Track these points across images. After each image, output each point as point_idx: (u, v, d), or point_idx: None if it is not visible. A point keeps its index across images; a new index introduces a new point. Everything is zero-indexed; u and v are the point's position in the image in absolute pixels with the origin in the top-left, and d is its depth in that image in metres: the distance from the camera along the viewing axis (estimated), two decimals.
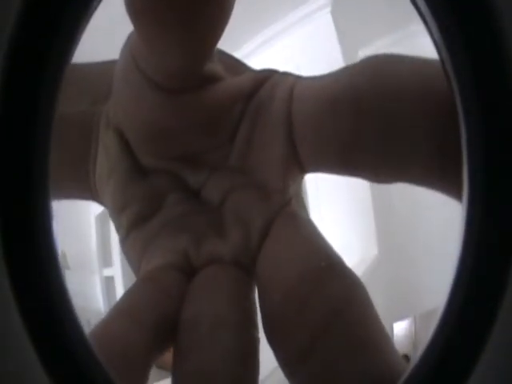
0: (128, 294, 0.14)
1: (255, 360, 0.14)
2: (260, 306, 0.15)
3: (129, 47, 0.15)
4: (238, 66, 0.17)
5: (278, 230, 0.16)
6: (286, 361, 0.14)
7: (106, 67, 0.16)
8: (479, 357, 0.09)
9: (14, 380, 0.09)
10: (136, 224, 0.16)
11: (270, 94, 0.16)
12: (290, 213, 0.16)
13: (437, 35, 0.09)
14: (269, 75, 0.16)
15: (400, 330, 0.95)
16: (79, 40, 0.10)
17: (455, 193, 0.12)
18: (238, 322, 0.14)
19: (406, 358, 1.00)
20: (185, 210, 0.16)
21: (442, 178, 0.13)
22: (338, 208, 0.90)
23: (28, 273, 0.09)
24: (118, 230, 0.17)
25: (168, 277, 0.15)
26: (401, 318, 0.94)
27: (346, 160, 0.15)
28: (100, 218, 0.74)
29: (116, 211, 0.17)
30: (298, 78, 0.16)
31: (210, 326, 0.14)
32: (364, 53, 1.15)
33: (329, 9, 1.14)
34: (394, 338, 0.92)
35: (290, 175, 0.16)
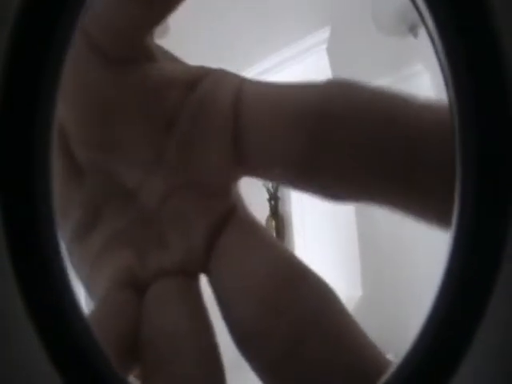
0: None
1: (220, 364, 0.14)
2: (225, 317, 0.15)
3: None
4: (169, 55, 0.17)
5: (234, 237, 0.15)
6: (260, 370, 0.14)
7: None
8: (463, 357, 0.09)
9: (18, 371, 0.09)
10: (78, 234, 0.16)
11: (212, 91, 0.15)
12: (242, 218, 0.15)
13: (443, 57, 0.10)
14: (206, 70, 0.16)
15: None
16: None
17: (418, 215, 0.13)
18: (197, 331, 0.14)
19: None
20: (124, 220, 0.16)
21: (407, 203, 0.13)
22: (323, 247, 0.89)
23: (31, 264, 0.09)
24: (62, 238, 0.16)
25: (120, 298, 0.15)
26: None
27: (299, 173, 0.14)
28: None
29: (60, 217, 0.17)
30: (244, 79, 0.15)
31: (170, 341, 0.14)
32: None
33: (325, 45, 1.16)
34: None
35: (232, 176, 0.15)
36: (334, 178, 0.14)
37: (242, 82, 0.15)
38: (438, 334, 0.09)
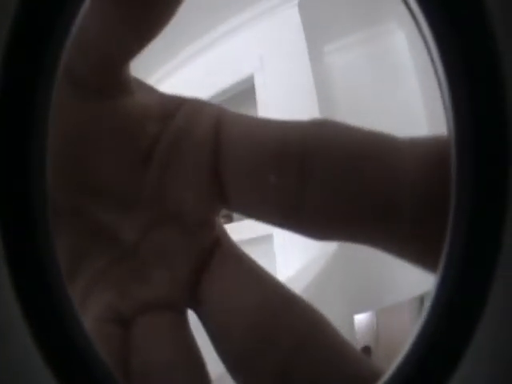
0: None
1: None
2: (216, 347, 0.15)
3: None
4: (142, 84, 0.16)
5: (220, 270, 0.15)
6: None
7: None
8: (461, 358, 0.09)
9: (14, 374, 0.09)
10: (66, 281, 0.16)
11: (189, 122, 0.15)
12: (227, 250, 0.15)
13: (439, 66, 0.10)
14: (179, 99, 0.16)
15: (361, 322, 0.97)
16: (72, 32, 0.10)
17: (405, 256, 0.13)
18: (187, 364, 0.14)
19: (368, 349, 1.01)
20: (104, 260, 0.16)
21: (391, 243, 0.13)
22: None
23: (28, 271, 0.10)
24: None
25: (104, 331, 0.15)
26: (361, 311, 0.95)
27: (280, 213, 0.14)
28: None
29: None
30: (223, 110, 0.15)
31: (160, 373, 0.14)
32: (329, 48, 1.15)
33: (296, 2, 1.14)
34: (356, 330, 0.93)
35: (213, 209, 0.15)
36: (316, 219, 0.14)
37: (221, 113, 0.15)
38: (434, 338, 0.10)
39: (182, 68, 1.10)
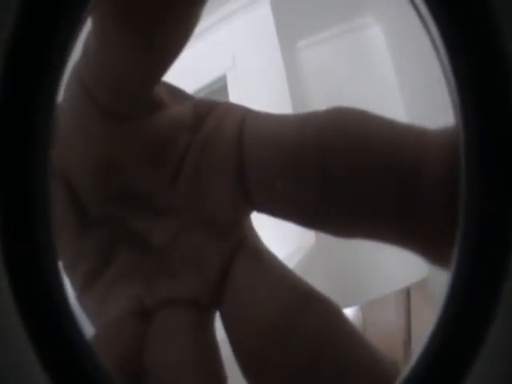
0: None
1: None
2: (234, 348, 0.15)
3: (76, 74, 0.16)
4: (177, 93, 0.17)
5: (242, 268, 0.16)
6: None
7: None
8: (475, 358, 0.09)
9: (12, 378, 0.10)
10: (89, 280, 0.17)
11: (217, 128, 0.16)
12: (251, 248, 0.16)
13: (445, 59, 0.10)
14: (212, 105, 0.16)
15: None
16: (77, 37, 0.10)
17: (425, 255, 0.13)
18: (202, 365, 0.15)
19: None
20: (134, 259, 0.17)
21: (410, 240, 0.13)
22: None
23: (27, 274, 0.10)
24: (72, 284, 0.17)
25: (124, 323, 0.16)
26: (346, 306, 0.95)
27: (303, 212, 0.15)
28: None
29: (68, 268, 0.17)
30: (248, 111, 0.16)
31: (173, 375, 0.14)
32: (302, 44, 1.16)
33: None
34: None
35: (241, 212, 0.16)
36: (339, 217, 0.14)
37: (246, 114, 0.15)
38: (449, 338, 0.10)
39: None
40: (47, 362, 0.10)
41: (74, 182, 0.17)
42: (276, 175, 0.15)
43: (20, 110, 0.10)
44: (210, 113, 0.16)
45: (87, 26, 0.10)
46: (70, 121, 0.16)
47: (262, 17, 1.12)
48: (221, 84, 1.20)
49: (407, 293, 0.93)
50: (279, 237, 0.89)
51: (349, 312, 0.96)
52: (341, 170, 0.13)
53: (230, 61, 1.21)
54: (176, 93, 0.17)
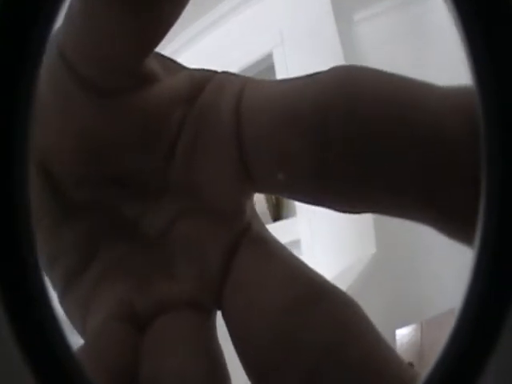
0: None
1: None
2: (239, 350, 0.14)
3: (58, 47, 0.14)
4: (171, 65, 0.15)
5: (247, 260, 0.14)
6: None
7: None
8: (487, 365, 0.09)
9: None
10: (73, 276, 0.15)
11: (213, 100, 0.14)
12: (255, 238, 0.15)
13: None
14: (208, 76, 0.15)
15: (404, 336, 0.89)
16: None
17: (441, 226, 0.12)
18: (205, 373, 0.13)
19: (411, 365, 0.95)
20: (123, 251, 0.15)
21: (429, 209, 0.12)
22: None
23: (14, 283, 0.09)
24: (53, 285, 0.15)
25: (116, 332, 0.14)
26: (404, 324, 0.88)
27: (307, 180, 0.13)
28: None
29: (49, 262, 0.16)
30: (247, 80, 0.14)
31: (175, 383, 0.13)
32: (358, 17, 1.06)
33: None
34: (398, 346, 0.86)
35: (243, 193, 0.15)
36: (344, 184, 0.13)
37: (245, 83, 0.14)
38: (468, 340, 0.09)
39: (192, 44, 1.05)
40: (35, 374, 0.09)
41: (52, 166, 0.15)
42: (276, 144, 0.13)
43: None
44: (207, 84, 0.14)
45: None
46: (48, 97, 0.15)
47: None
48: (267, 63, 1.11)
49: None
50: (338, 248, 0.84)
51: (405, 332, 0.89)
52: (343, 132, 0.12)
53: (278, 37, 1.11)
54: (169, 64, 0.15)
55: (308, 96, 0.13)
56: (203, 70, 0.15)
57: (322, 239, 0.86)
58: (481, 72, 0.09)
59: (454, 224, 0.12)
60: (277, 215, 1.46)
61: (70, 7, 0.14)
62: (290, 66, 0.98)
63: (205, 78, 0.15)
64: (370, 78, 0.13)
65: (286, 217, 1.34)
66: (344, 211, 0.13)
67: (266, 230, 0.15)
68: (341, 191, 0.13)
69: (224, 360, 0.14)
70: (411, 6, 1.04)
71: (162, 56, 0.15)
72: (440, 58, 0.97)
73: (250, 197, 0.15)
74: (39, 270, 0.10)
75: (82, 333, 0.15)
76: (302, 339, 0.13)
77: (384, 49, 0.96)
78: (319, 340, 0.13)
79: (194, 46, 1.09)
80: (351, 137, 0.12)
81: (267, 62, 1.00)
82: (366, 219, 0.82)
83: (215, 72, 0.15)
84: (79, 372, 0.10)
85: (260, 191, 0.15)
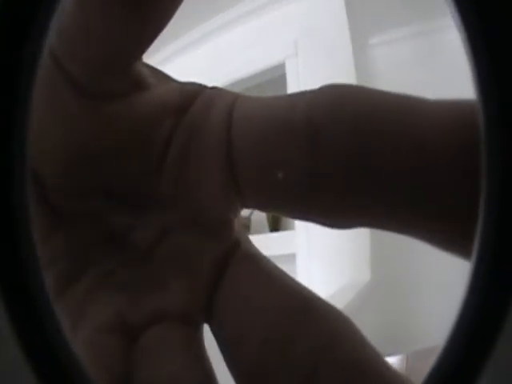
0: None
1: None
2: (230, 363, 0.14)
3: (48, 50, 0.14)
4: (162, 77, 0.16)
5: (238, 276, 0.15)
6: None
7: None
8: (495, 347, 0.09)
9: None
10: (63, 285, 0.15)
11: (204, 112, 0.14)
12: (245, 254, 0.15)
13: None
14: (198, 89, 0.15)
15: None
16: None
17: (433, 238, 0.12)
18: (200, 382, 0.14)
19: None
20: (113, 263, 0.15)
21: (416, 224, 0.12)
22: (332, 232, 0.82)
23: (14, 282, 0.10)
24: None
25: (105, 343, 0.14)
26: (391, 354, 0.88)
27: (295, 198, 0.13)
28: None
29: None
30: (238, 95, 0.15)
31: None
32: (373, 41, 1.05)
33: None
34: None
35: (232, 206, 0.15)
36: (333, 200, 0.13)
37: (236, 98, 0.15)
38: (465, 344, 0.09)
39: (199, 46, 1.04)
40: (36, 371, 0.10)
41: (42, 173, 0.15)
42: (265, 158, 0.13)
43: None
44: (198, 96, 0.15)
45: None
46: (39, 102, 0.14)
47: (334, 3, 1.02)
48: (278, 73, 1.09)
49: None
50: (333, 268, 0.83)
51: (391, 361, 0.87)
52: (333, 144, 0.12)
53: (292, 48, 1.10)
54: (160, 75, 0.15)
55: (299, 109, 0.13)
56: (194, 83, 0.15)
57: (318, 257, 0.84)
58: (481, 72, 0.09)
59: (444, 235, 0.12)
60: (275, 226, 1.45)
61: (62, 12, 0.13)
62: (302, 79, 0.97)
63: (195, 91, 0.15)
64: (359, 95, 0.13)
65: (284, 228, 1.33)
66: (330, 226, 0.13)
67: (255, 247, 0.15)
68: (329, 203, 0.13)
69: (212, 370, 0.14)
70: (428, 35, 1.05)
71: (154, 67, 0.15)
72: (451, 87, 0.98)
73: (239, 211, 0.15)
74: (39, 270, 0.10)
75: (71, 341, 0.14)
76: (292, 351, 0.13)
77: (396, 74, 0.97)
78: (309, 351, 0.13)
79: (211, 41, 1.08)
80: (341, 148, 0.12)
81: (280, 71, 0.99)
82: (363, 246, 0.82)
83: (205, 86, 0.15)
84: (79, 371, 0.10)
85: (246, 205, 0.15)
